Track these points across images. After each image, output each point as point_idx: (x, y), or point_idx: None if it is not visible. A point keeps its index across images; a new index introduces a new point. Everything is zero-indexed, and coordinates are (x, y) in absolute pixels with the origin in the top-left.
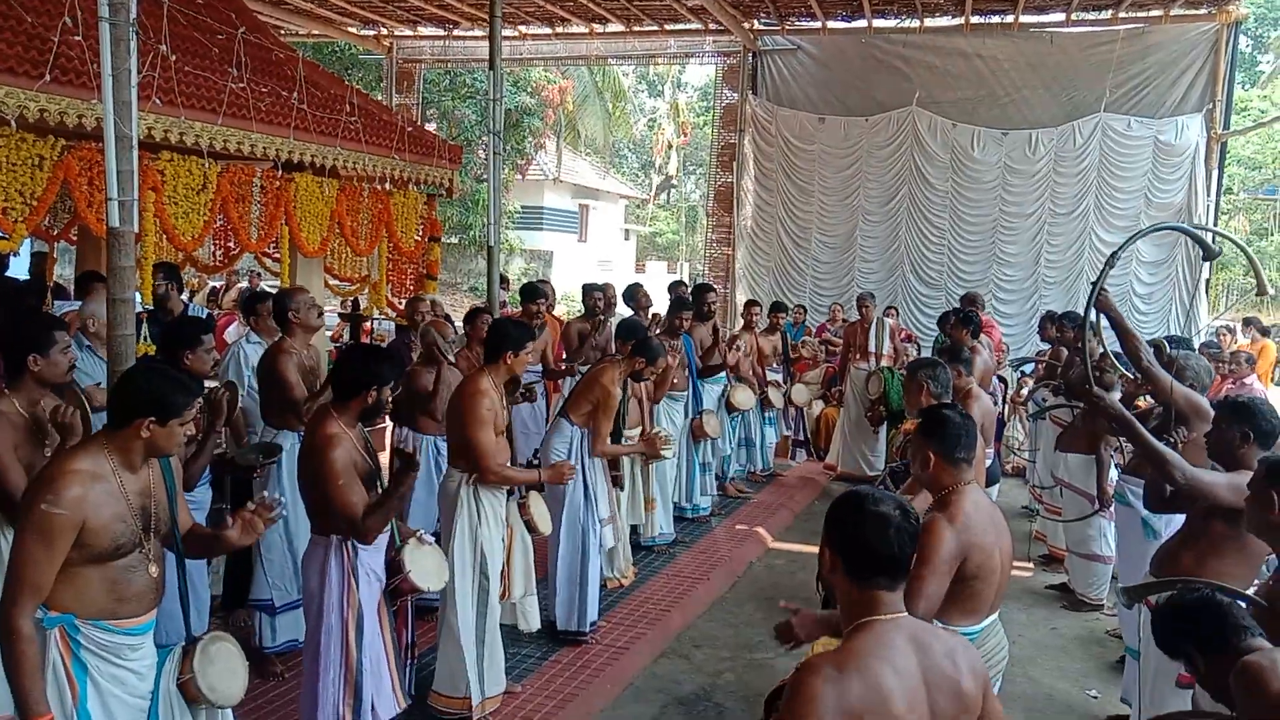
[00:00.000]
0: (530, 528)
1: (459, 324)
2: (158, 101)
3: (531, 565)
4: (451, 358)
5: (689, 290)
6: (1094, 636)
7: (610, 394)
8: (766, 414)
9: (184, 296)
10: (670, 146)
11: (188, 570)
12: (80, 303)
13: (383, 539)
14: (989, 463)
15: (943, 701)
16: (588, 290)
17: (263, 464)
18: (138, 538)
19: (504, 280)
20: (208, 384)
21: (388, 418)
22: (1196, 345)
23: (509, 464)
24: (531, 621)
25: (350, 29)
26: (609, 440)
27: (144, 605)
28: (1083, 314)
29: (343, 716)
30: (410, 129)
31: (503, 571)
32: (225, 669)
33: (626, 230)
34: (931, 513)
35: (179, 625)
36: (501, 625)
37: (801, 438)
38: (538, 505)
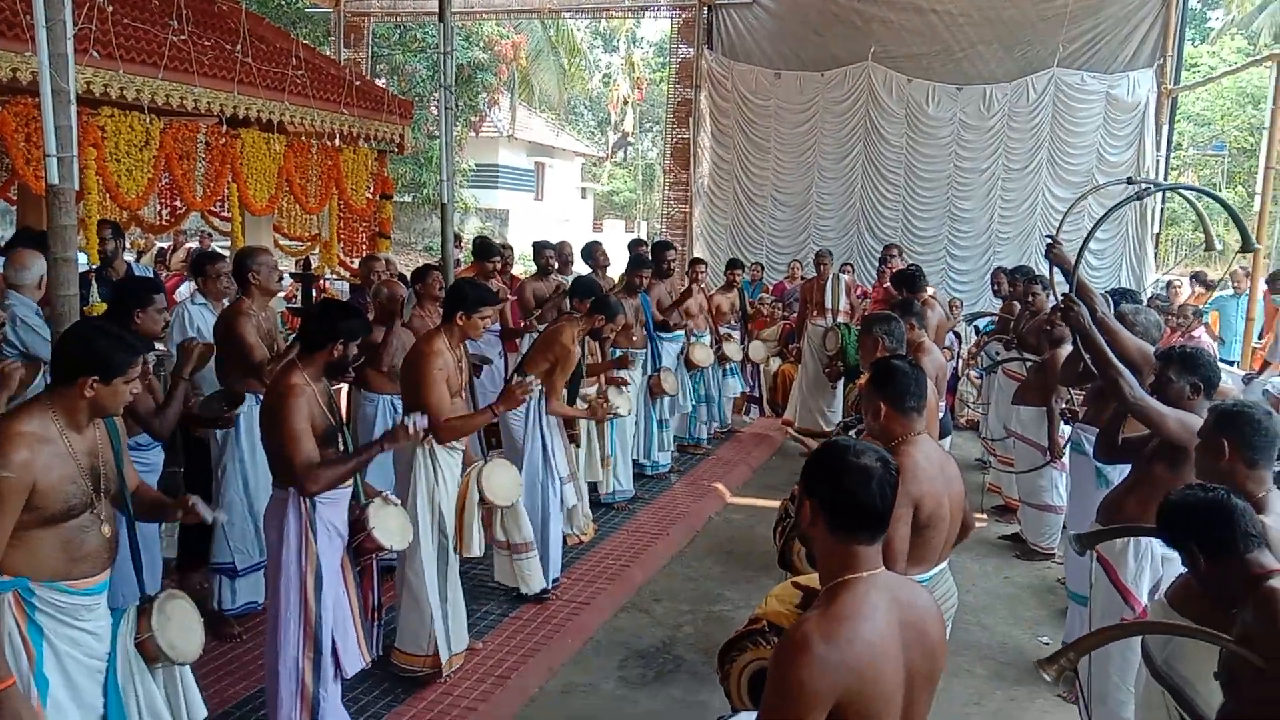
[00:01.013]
0: (366, 545)
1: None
2: (95, 55)
3: (518, 519)
4: (405, 316)
5: (648, 248)
6: (1045, 585)
7: (570, 352)
8: (726, 367)
9: (130, 257)
10: (626, 103)
11: (140, 531)
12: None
13: (343, 494)
14: (941, 415)
15: (918, 657)
16: (539, 248)
17: (228, 413)
18: (89, 498)
19: (456, 239)
20: (157, 345)
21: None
22: (1145, 300)
23: None
24: (533, 584)
25: None
26: (564, 400)
27: (98, 565)
28: (1045, 260)
29: (302, 669)
30: (359, 83)
31: (457, 528)
32: (182, 626)
33: (583, 189)
34: None
35: (133, 586)
36: (464, 583)
37: (756, 394)
38: (491, 477)
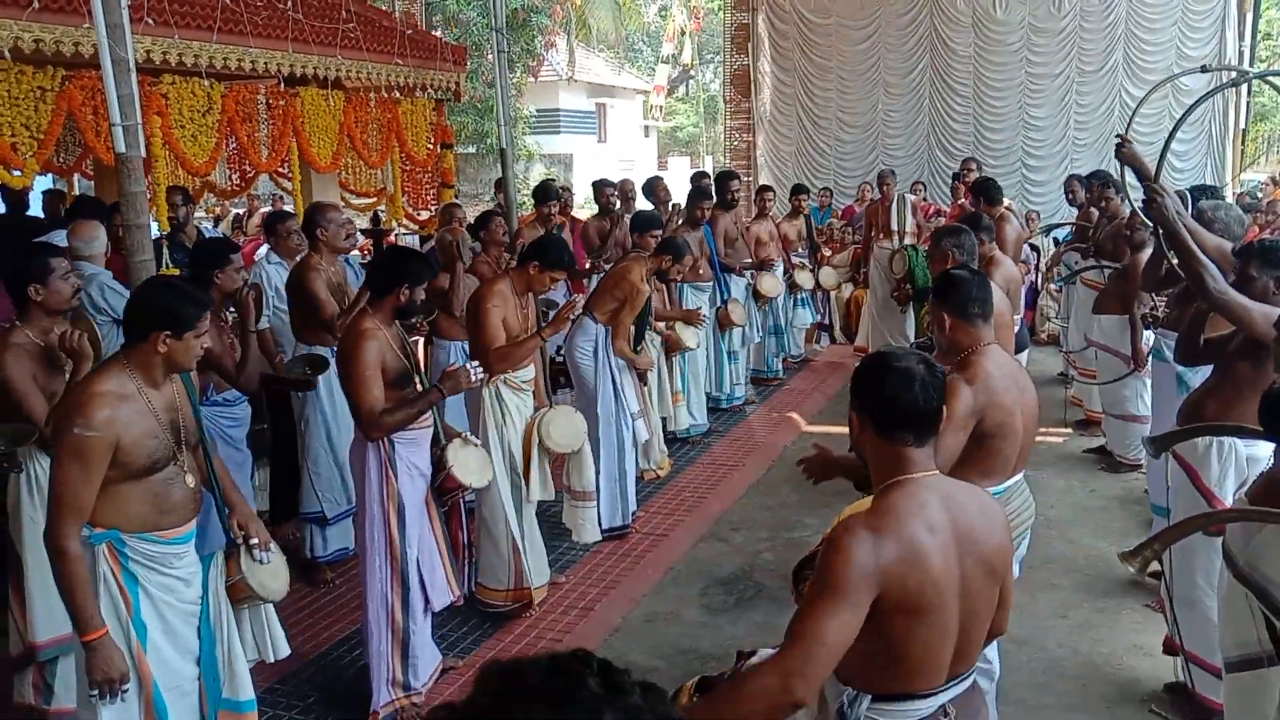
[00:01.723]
0: (447, 484)
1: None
2: (150, 22)
3: (581, 467)
4: (468, 261)
5: (711, 181)
6: (1133, 496)
7: (638, 290)
8: (797, 296)
9: (207, 223)
10: (684, 34)
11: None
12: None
13: (425, 435)
14: (1018, 329)
15: (971, 560)
16: (599, 187)
17: (310, 376)
18: (171, 451)
19: (499, 185)
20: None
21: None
22: (1232, 196)
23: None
24: (585, 534)
25: None
26: (630, 342)
27: (185, 515)
28: (1114, 168)
29: (392, 604)
30: (410, 33)
31: (524, 470)
32: (269, 569)
33: (646, 127)
34: (951, 373)
35: (219, 533)
36: (545, 520)
37: (826, 322)
38: (552, 424)
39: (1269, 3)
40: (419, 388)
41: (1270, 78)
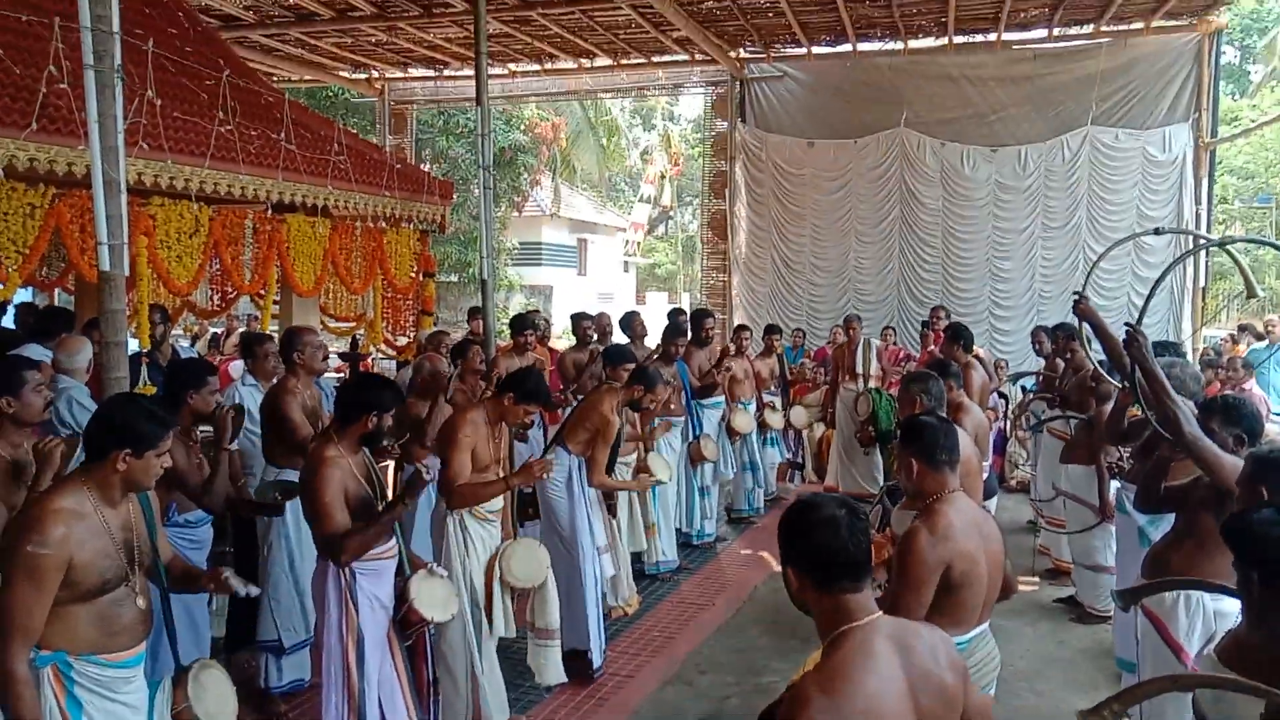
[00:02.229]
0: (410, 617)
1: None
2: (145, 146)
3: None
4: (449, 393)
5: (686, 317)
6: (1103, 649)
7: (609, 422)
8: (766, 435)
9: (184, 341)
10: (664, 177)
11: (187, 606)
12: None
13: (388, 565)
14: (986, 476)
15: (927, 700)
16: (577, 320)
17: (280, 501)
18: (124, 572)
19: (474, 312)
20: (206, 427)
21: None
22: (1194, 352)
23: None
24: (547, 675)
25: (342, 73)
26: (605, 471)
27: (134, 638)
28: (1075, 321)
29: None
30: (400, 166)
31: (485, 604)
32: (217, 695)
33: (626, 262)
34: (914, 522)
35: (168, 657)
36: (509, 655)
37: (799, 461)
38: (514, 558)
39: (1222, 170)
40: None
41: (1229, 245)
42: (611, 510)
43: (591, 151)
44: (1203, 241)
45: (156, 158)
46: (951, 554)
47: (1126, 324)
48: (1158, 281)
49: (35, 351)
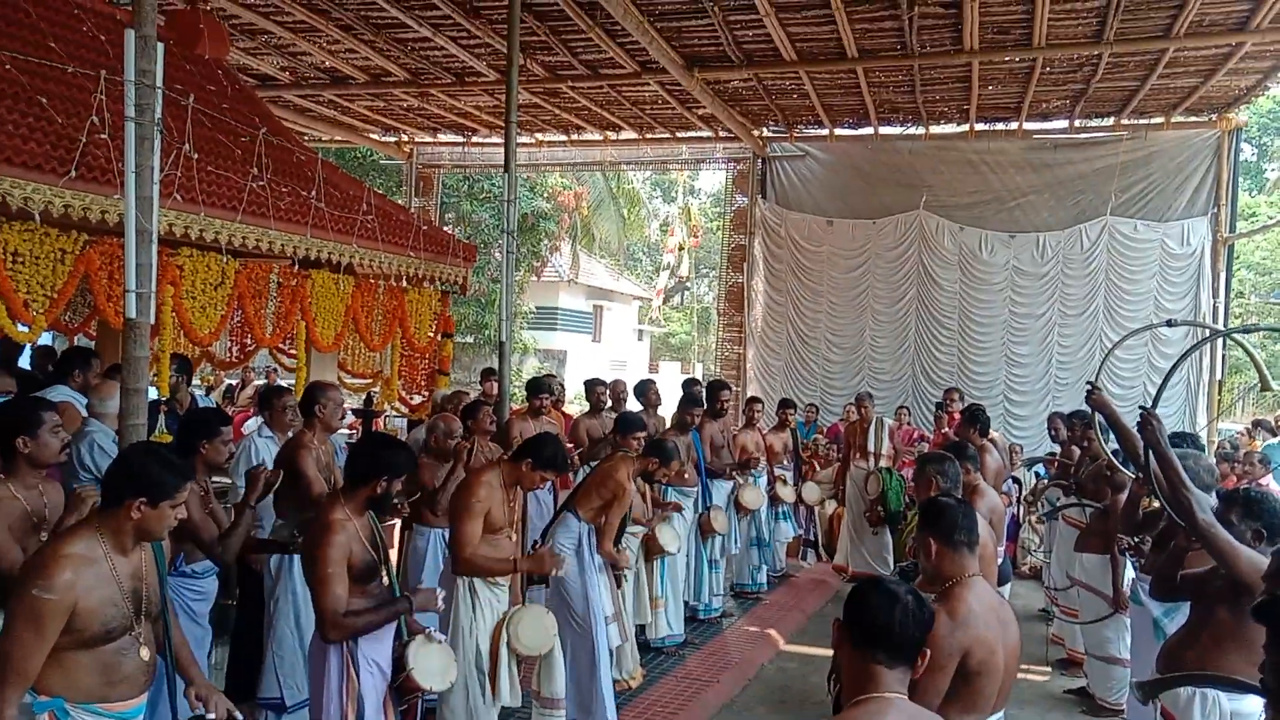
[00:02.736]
0: (407, 685)
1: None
2: (179, 198)
3: (550, 671)
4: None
5: (702, 388)
6: None
7: (625, 490)
8: (778, 510)
9: (200, 391)
10: (682, 248)
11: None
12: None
13: (387, 630)
14: (1000, 562)
15: None
16: (591, 385)
17: (295, 540)
18: (129, 621)
19: (488, 373)
20: (219, 478)
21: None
22: (1210, 445)
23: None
24: None
25: (372, 135)
26: (606, 545)
27: (135, 688)
28: (1089, 410)
29: None
30: (425, 228)
31: (491, 671)
32: None
33: (640, 331)
34: (934, 606)
35: (165, 711)
36: None
37: (811, 537)
38: (520, 625)
39: (1239, 265)
40: (385, 582)
41: (1236, 335)
42: (617, 580)
43: (612, 221)
44: (1210, 332)
45: (189, 210)
46: (971, 641)
47: (1141, 407)
48: (1172, 369)
49: (61, 393)
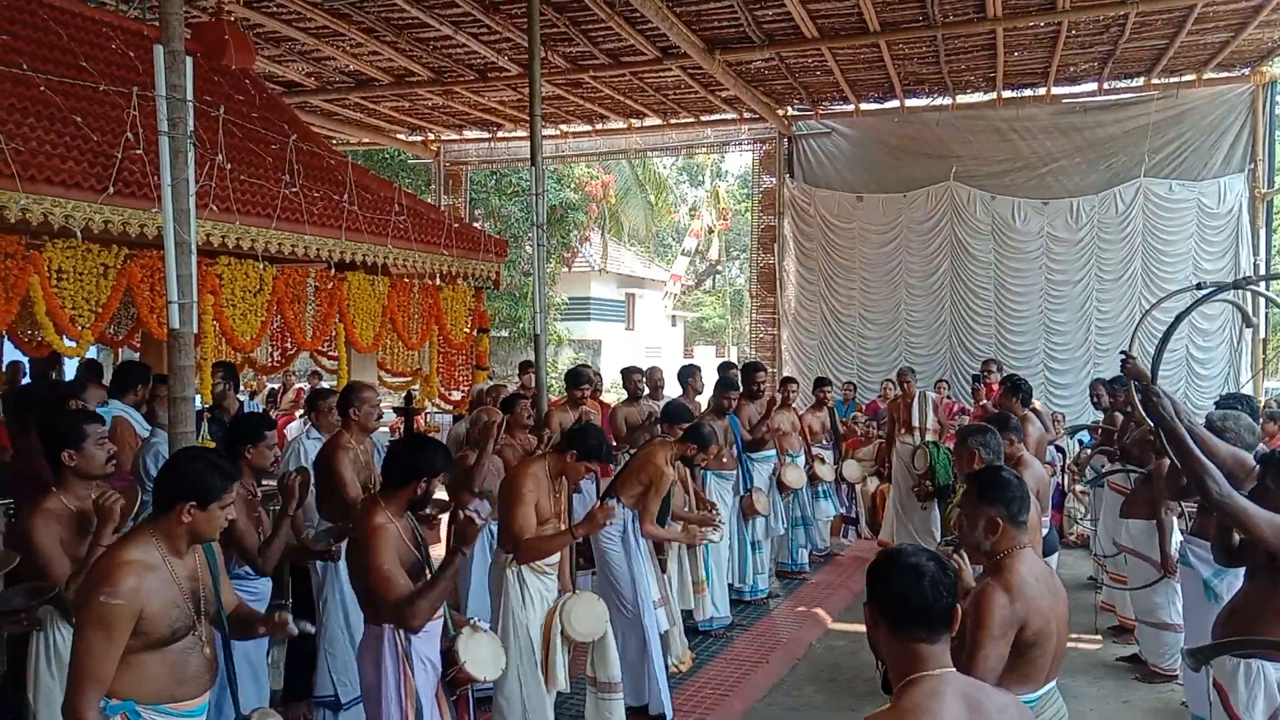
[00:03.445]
0: (460, 678)
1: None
2: (214, 209)
3: (604, 656)
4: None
5: (738, 371)
6: (1169, 708)
7: (664, 474)
8: (818, 488)
9: (244, 396)
10: (711, 232)
11: (248, 657)
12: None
13: (436, 626)
14: (1045, 532)
15: None
16: (627, 373)
17: (334, 547)
18: (191, 621)
19: (525, 366)
20: (266, 481)
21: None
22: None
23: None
24: None
25: (399, 135)
26: (648, 527)
27: (200, 686)
28: (1122, 375)
29: None
30: (456, 225)
31: (543, 658)
32: None
33: (674, 316)
34: (985, 579)
35: (229, 707)
36: (566, 713)
37: (853, 515)
38: (574, 611)
39: (1279, 221)
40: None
41: (1254, 286)
42: (662, 565)
43: (640, 208)
44: (1211, 287)
45: (225, 219)
46: (1026, 611)
47: (1143, 385)
48: (1167, 333)
49: (116, 408)
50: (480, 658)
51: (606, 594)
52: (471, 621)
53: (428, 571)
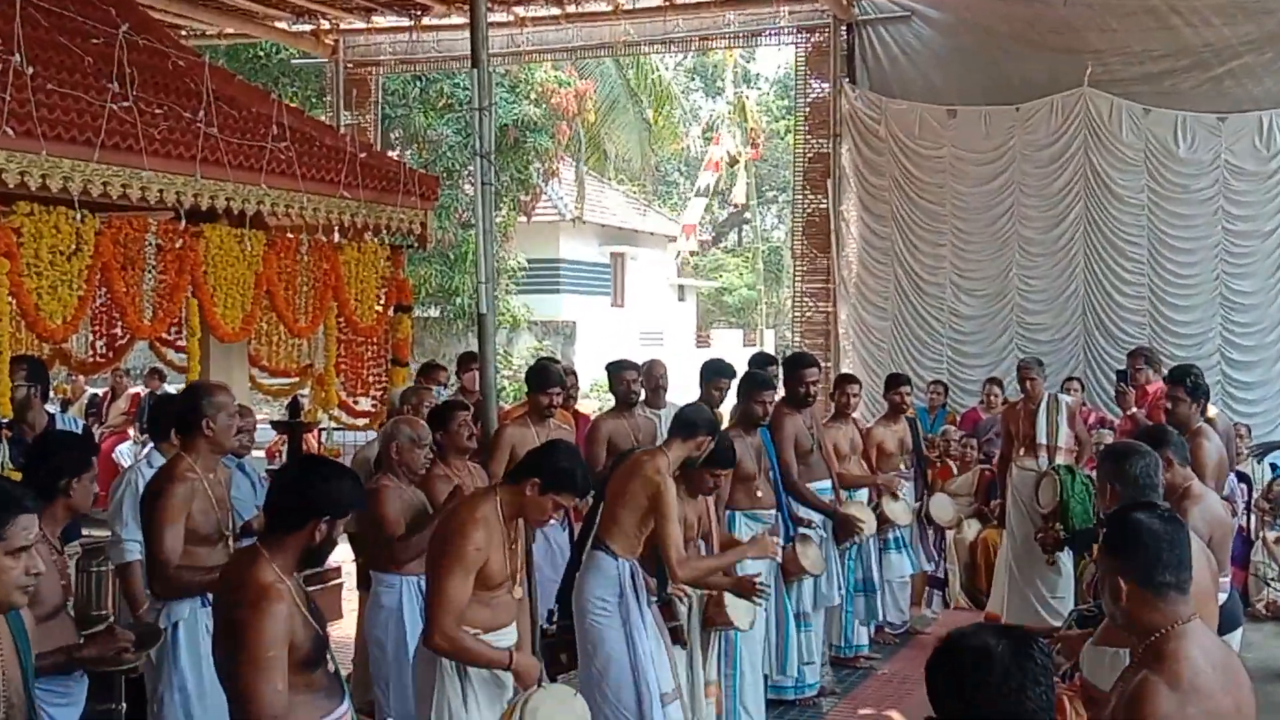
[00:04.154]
0: None
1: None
2: (9, 132)
3: None
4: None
5: (778, 367)
6: None
7: (661, 488)
8: (889, 536)
9: (52, 406)
10: (735, 163)
11: None
12: None
13: None
14: (1225, 597)
15: None
16: (616, 370)
17: (136, 655)
18: None
19: (431, 369)
20: (89, 531)
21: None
22: None
23: (502, 629)
24: None
25: (279, 25)
26: (679, 562)
27: None
28: None
29: None
30: (363, 156)
31: None
32: None
33: (681, 286)
34: (1141, 672)
35: None
36: None
37: (941, 575)
38: (539, 713)
39: None
40: (331, 669)
41: None
42: (678, 638)
43: (631, 129)
44: None
45: (24, 147)
46: (1203, 717)
47: None
48: None
49: None
50: None
51: (591, 687)
52: None
53: (329, 657)
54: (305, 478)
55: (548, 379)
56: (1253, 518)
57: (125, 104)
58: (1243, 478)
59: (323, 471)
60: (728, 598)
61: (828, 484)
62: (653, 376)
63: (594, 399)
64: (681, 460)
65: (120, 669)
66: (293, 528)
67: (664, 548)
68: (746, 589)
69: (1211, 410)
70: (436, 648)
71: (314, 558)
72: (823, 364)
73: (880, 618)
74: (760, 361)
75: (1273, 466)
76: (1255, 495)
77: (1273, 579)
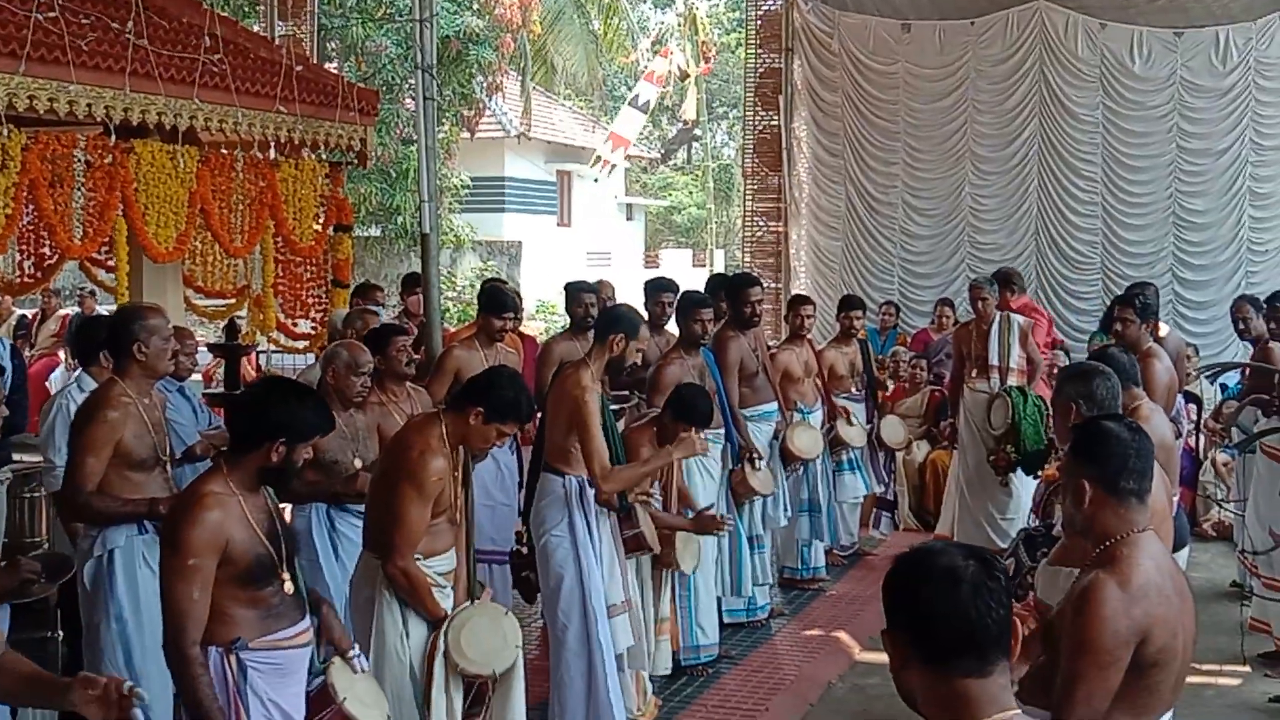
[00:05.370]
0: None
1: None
2: None
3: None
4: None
5: (725, 286)
6: None
7: (582, 400)
8: (842, 459)
9: None
10: (685, 79)
11: None
12: None
13: (290, 660)
14: (1174, 515)
15: None
16: (573, 291)
17: (41, 583)
18: None
19: (367, 290)
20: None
21: None
22: None
23: (440, 554)
24: None
25: None
26: (609, 462)
27: None
28: None
29: None
30: (300, 69)
31: (425, 696)
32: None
33: (629, 205)
34: (1093, 571)
35: None
36: None
37: (891, 497)
38: (464, 630)
39: None
40: (289, 588)
41: None
42: (640, 544)
43: (578, 41)
44: None
45: None
46: (1150, 620)
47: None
48: None
49: None
50: (362, 696)
51: (548, 606)
52: (349, 655)
53: (283, 571)
54: (266, 398)
55: (502, 302)
56: (1202, 438)
57: (51, 14)
58: (1192, 398)
59: (285, 394)
60: (678, 539)
61: (774, 406)
62: (600, 297)
63: (540, 320)
64: (604, 365)
65: (29, 600)
66: (250, 447)
67: (587, 460)
68: (709, 526)
69: (1163, 328)
70: (392, 576)
71: (277, 479)
72: (773, 285)
73: (825, 539)
74: (715, 285)
75: (1223, 388)
76: (1204, 416)
77: (1220, 500)
